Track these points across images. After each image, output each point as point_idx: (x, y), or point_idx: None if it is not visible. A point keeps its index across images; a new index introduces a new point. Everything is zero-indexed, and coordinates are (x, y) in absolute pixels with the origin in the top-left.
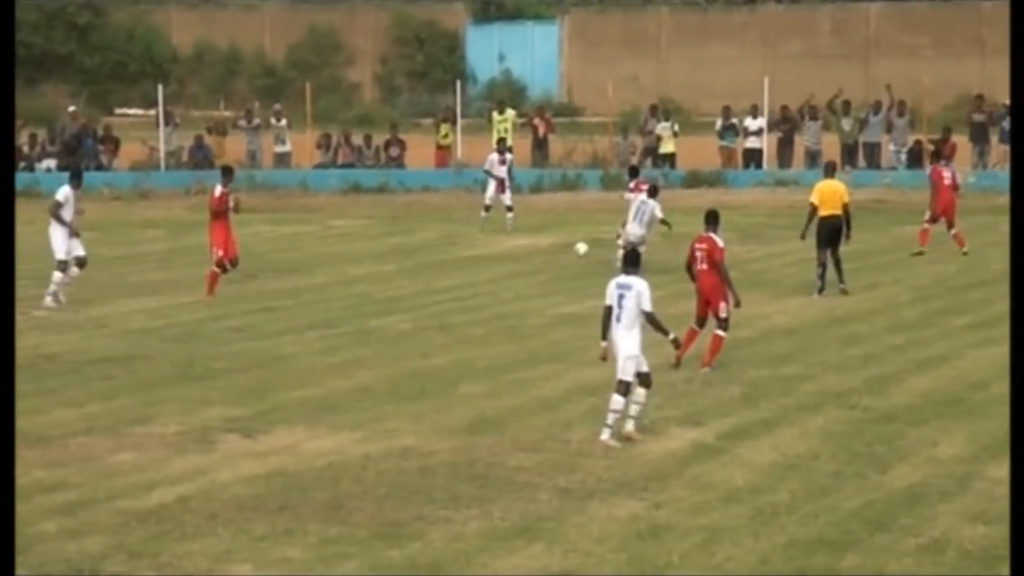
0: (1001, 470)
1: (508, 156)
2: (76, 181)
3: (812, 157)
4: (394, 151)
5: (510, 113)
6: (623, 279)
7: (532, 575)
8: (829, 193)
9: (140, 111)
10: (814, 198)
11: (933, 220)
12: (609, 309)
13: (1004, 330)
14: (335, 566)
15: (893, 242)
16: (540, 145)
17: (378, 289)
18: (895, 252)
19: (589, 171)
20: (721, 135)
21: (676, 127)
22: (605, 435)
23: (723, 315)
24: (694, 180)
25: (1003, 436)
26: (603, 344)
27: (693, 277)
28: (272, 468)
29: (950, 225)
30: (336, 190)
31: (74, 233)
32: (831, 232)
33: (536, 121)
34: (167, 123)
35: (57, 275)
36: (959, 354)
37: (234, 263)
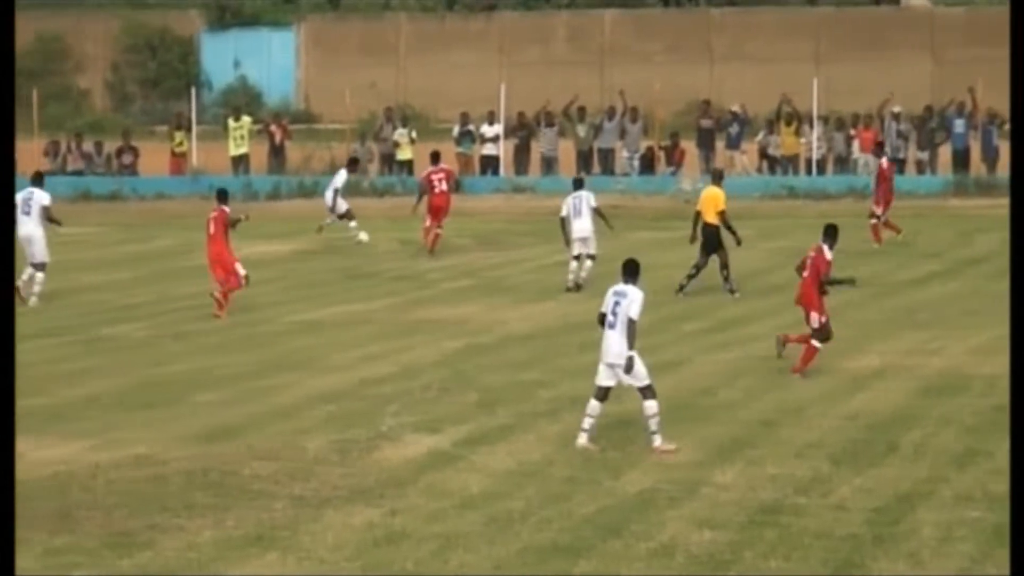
0: (726, 476)
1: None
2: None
3: (548, 163)
4: (127, 158)
5: (246, 120)
6: (621, 287)
7: None
8: (707, 200)
9: None
10: (699, 205)
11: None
12: (603, 316)
13: (730, 335)
14: None
15: (628, 247)
16: (277, 152)
17: (111, 297)
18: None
19: (327, 178)
20: (458, 141)
21: (414, 133)
22: (582, 439)
23: (815, 325)
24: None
25: (729, 441)
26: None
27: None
28: None
29: None
30: (66, 198)
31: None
32: (708, 238)
33: (273, 128)
34: None
35: (39, 276)
36: (688, 359)
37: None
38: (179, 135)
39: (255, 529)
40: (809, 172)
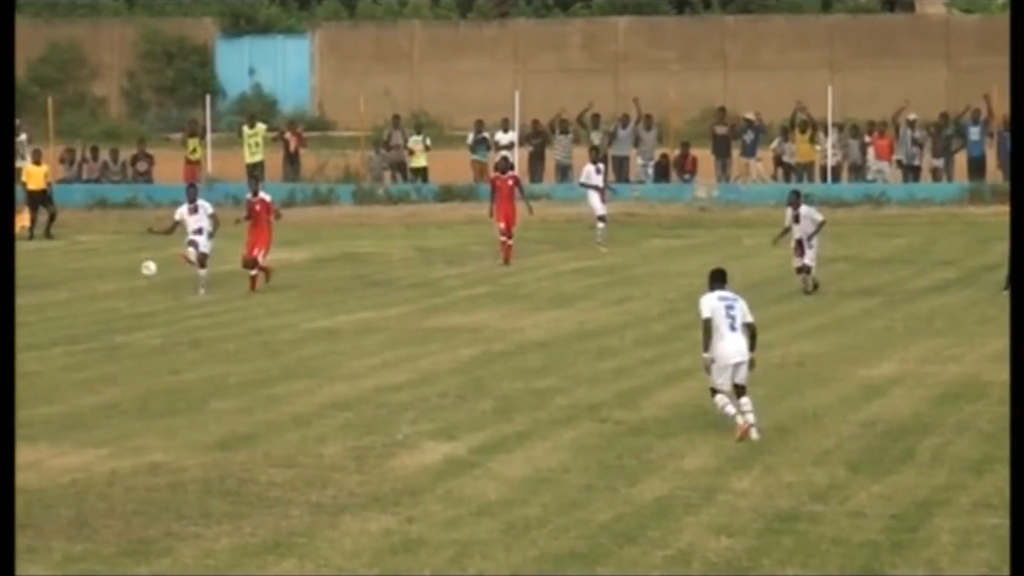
0: (743, 483)
1: (602, 166)
2: None
3: (563, 171)
4: (142, 166)
5: (261, 127)
6: (723, 292)
7: None
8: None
9: None
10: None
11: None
12: (708, 322)
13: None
14: None
15: (642, 255)
16: (292, 160)
17: (127, 305)
18: (644, 266)
19: (342, 186)
20: (473, 149)
21: (428, 141)
22: (751, 429)
23: None
24: (447, 194)
25: (746, 448)
26: (706, 356)
27: None
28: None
29: None
30: (81, 205)
31: None
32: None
33: (287, 135)
34: None
35: None
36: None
37: (246, 263)
38: (193, 142)
39: (272, 536)
40: (824, 179)
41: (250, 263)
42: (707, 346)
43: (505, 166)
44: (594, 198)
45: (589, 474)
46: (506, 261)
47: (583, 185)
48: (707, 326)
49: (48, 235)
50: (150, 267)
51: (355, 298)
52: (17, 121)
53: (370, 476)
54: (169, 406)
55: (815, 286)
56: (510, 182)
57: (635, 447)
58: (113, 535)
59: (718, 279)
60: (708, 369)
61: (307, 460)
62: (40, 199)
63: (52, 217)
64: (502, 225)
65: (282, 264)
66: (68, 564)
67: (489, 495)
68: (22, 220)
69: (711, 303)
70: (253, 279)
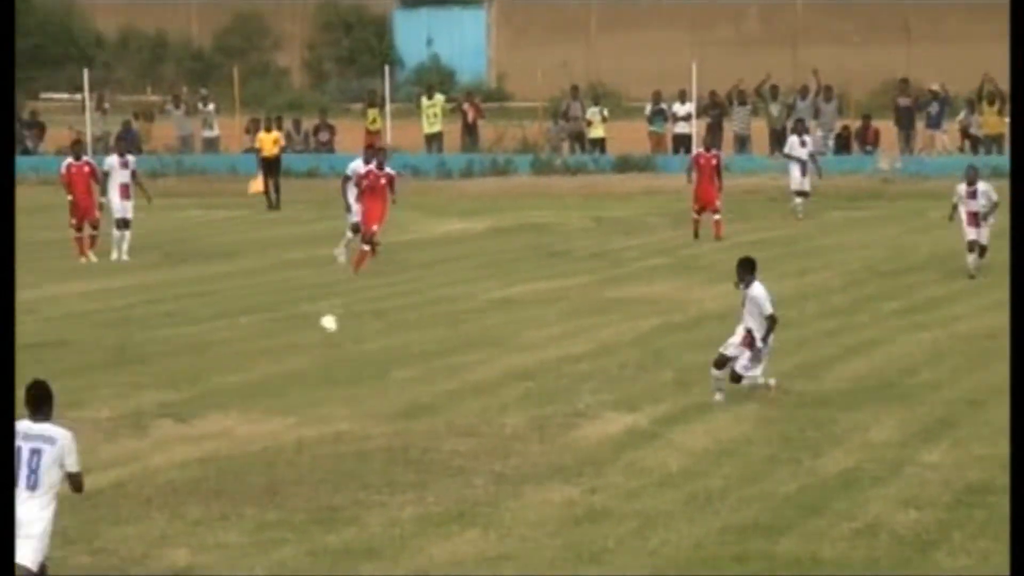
0: (932, 455)
1: (807, 138)
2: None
3: (741, 142)
4: (323, 136)
5: (439, 98)
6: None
7: (468, 560)
8: None
9: (66, 96)
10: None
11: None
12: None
13: (932, 315)
14: (271, 551)
15: (821, 227)
16: (470, 130)
17: (310, 274)
18: (824, 238)
19: (519, 156)
20: (651, 120)
21: (606, 112)
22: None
23: None
24: (624, 165)
25: (933, 421)
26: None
27: None
28: (206, 453)
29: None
30: None
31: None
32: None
33: (465, 106)
34: (98, 108)
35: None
36: (889, 339)
37: (365, 238)
38: (373, 113)
39: (456, 506)
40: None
41: (368, 237)
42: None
43: (710, 143)
44: (795, 170)
45: (772, 446)
46: (717, 237)
47: (786, 156)
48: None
49: (274, 204)
50: (330, 322)
51: (533, 268)
52: (204, 91)
53: (552, 446)
54: (353, 375)
55: (982, 252)
56: (713, 161)
57: (818, 419)
58: (302, 503)
59: (748, 268)
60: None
61: (489, 430)
62: (272, 165)
63: (276, 188)
64: (696, 206)
65: (460, 234)
66: (260, 531)
67: (671, 466)
68: (256, 185)
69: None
70: (363, 256)
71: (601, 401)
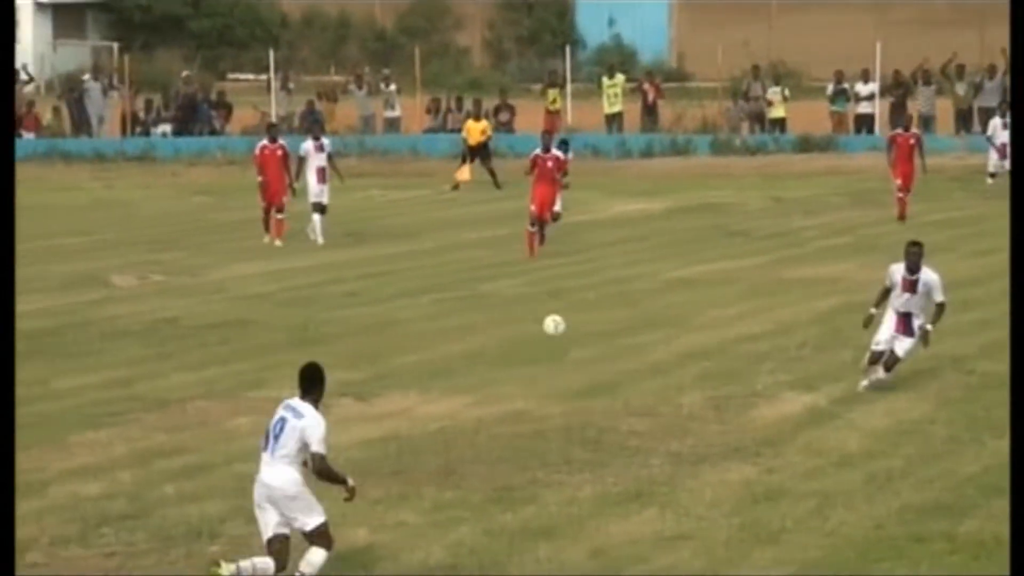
0: None
1: (1008, 120)
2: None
3: (925, 122)
4: (504, 116)
5: (620, 78)
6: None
7: (646, 540)
8: None
9: (251, 76)
10: None
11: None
12: (887, 290)
13: None
14: (449, 530)
15: (1007, 207)
16: (650, 111)
17: (490, 254)
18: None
19: (699, 136)
20: (832, 100)
21: (786, 92)
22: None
23: None
24: (805, 145)
25: None
26: (873, 311)
27: None
28: (386, 432)
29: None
30: (446, 154)
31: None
32: None
33: (646, 87)
34: (282, 88)
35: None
36: None
37: (534, 222)
38: (553, 93)
39: (634, 485)
40: None
41: (539, 222)
42: (878, 304)
43: (908, 123)
44: (993, 153)
45: (954, 426)
46: (901, 217)
47: (989, 140)
48: (883, 291)
49: (496, 185)
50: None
51: (712, 248)
52: (386, 71)
53: (730, 426)
54: (530, 354)
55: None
56: (911, 140)
57: (1002, 399)
58: (479, 482)
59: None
60: (867, 324)
61: (666, 409)
62: (479, 152)
63: (491, 172)
64: (899, 181)
65: (639, 214)
66: (438, 511)
67: (850, 446)
68: (462, 174)
69: (892, 272)
70: (534, 239)
71: (779, 381)
